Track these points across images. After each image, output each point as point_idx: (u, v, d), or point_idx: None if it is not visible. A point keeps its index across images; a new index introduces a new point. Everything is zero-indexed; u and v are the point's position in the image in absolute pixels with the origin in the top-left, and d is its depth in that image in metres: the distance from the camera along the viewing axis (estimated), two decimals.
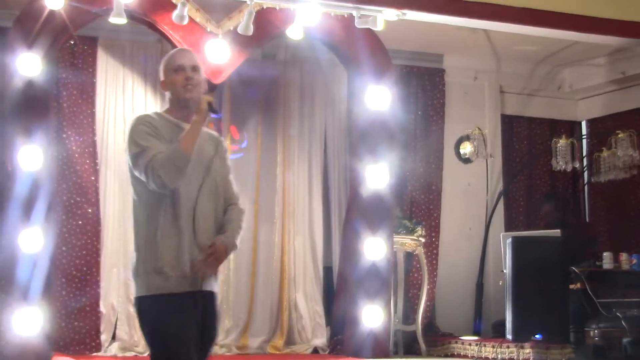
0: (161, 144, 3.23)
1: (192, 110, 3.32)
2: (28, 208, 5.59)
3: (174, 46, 6.24)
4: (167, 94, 3.43)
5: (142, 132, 3.26)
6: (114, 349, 6.36)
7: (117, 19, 5.84)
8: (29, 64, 5.69)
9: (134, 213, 3.30)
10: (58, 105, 6.45)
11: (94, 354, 6.25)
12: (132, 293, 3.34)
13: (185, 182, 3.23)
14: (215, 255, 3.27)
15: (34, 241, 5.56)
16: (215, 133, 3.53)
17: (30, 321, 5.50)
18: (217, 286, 3.41)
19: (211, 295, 3.34)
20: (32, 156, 5.66)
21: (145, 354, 6.36)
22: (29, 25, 5.74)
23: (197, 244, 3.25)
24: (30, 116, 5.72)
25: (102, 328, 6.40)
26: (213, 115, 3.32)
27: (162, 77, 3.44)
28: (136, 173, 3.24)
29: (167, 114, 3.39)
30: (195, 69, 3.40)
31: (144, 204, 3.26)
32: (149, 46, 6.91)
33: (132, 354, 6.34)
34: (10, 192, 5.64)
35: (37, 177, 5.66)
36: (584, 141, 8.47)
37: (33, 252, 5.55)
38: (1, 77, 6.04)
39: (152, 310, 3.19)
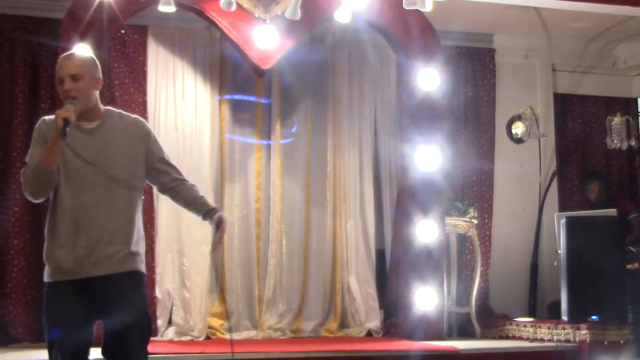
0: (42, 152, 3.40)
1: (91, 112, 3.47)
2: None
3: (222, 33, 6.29)
4: None
5: (33, 140, 3.48)
6: (170, 333, 6.46)
7: (166, 7, 5.89)
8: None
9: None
10: (110, 95, 6.54)
11: (151, 338, 6.34)
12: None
13: (71, 187, 3.39)
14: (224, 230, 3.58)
15: None
16: (135, 117, 3.63)
17: None
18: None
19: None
20: None
21: (201, 338, 6.45)
22: (80, 16, 5.81)
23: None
24: None
25: (158, 313, 6.50)
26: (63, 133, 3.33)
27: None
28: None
29: None
30: (75, 77, 3.44)
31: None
32: (198, 33, 6.95)
33: (188, 338, 6.43)
34: None
35: None
36: None
37: None
38: (54, 68, 6.13)
39: None
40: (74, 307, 3.38)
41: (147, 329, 3.52)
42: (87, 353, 3.46)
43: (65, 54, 3.62)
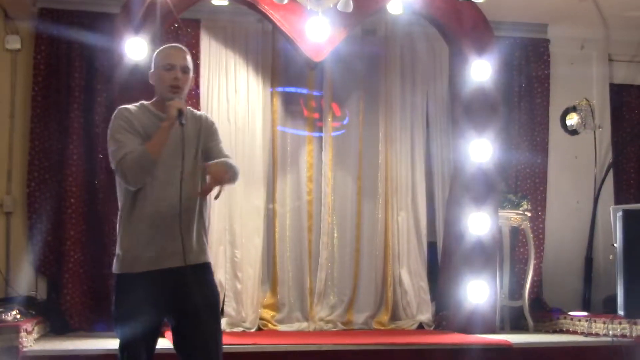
0: (135, 139, 3.43)
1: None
2: None
3: (274, 25, 6.32)
4: (154, 87, 3.59)
5: (118, 127, 3.46)
6: (222, 324, 6.51)
7: (219, 1, 5.94)
8: (136, 49, 5.85)
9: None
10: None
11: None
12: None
13: (165, 169, 3.43)
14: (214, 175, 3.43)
15: None
16: (199, 112, 3.69)
17: None
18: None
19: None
20: None
21: (253, 330, 6.50)
22: (135, 11, 5.90)
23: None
24: (139, 100, 5.84)
25: None
26: (180, 122, 3.42)
27: (152, 70, 3.61)
28: (111, 165, 3.46)
29: (152, 105, 3.58)
30: (185, 69, 3.53)
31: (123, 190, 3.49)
32: (250, 26, 6.98)
33: (240, 329, 6.49)
34: None
35: None
36: None
37: None
38: (110, 61, 6.24)
39: None
40: (150, 299, 3.40)
41: (219, 321, 3.58)
42: (154, 346, 3.51)
43: (173, 44, 3.69)
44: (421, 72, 7.33)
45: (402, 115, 7.21)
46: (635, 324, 5.76)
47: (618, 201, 7.65)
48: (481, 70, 6.46)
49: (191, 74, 3.58)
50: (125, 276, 3.44)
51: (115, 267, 3.49)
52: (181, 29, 6.77)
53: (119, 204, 3.53)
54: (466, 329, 6.22)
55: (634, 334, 5.75)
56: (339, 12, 6.10)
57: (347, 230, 7.02)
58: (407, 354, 5.43)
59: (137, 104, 3.60)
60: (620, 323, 5.87)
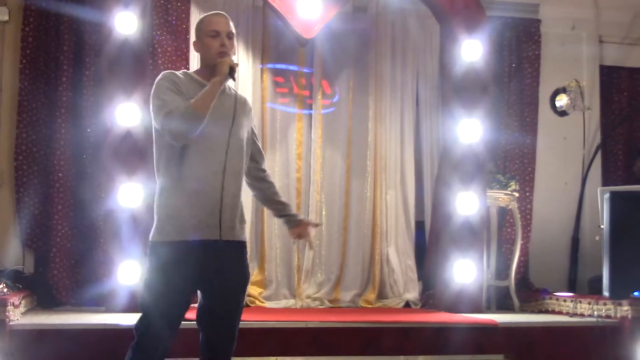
0: (180, 99, 3.37)
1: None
2: (126, 163, 5.76)
3: (265, 1, 6.27)
4: (199, 55, 3.56)
5: (162, 87, 3.40)
6: None
7: None
8: (126, 23, 5.81)
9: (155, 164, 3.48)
10: (153, 63, 6.57)
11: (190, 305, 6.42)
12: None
13: (213, 134, 3.38)
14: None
15: (133, 196, 5.73)
16: (242, 95, 3.68)
17: (130, 273, 5.70)
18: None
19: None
20: (129, 113, 5.81)
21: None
22: None
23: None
24: (128, 74, 5.86)
25: None
26: (230, 79, 3.44)
27: (196, 38, 3.59)
28: (157, 125, 3.39)
29: (195, 74, 3.55)
30: (230, 35, 3.53)
31: (166, 156, 3.43)
32: (241, 2, 6.94)
33: None
34: (110, 149, 5.82)
35: (134, 133, 5.81)
36: None
37: (133, 206, 5.73)
38: (99, 35, 6.19)
39: None
40: (187, 269, 3.37)
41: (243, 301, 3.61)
42: (181, 321, 3.48)
43: (215, 12, 3.66)
44: (412, 50, 7.30)
45: (392, 93, 7.19)
46: (619, 305, 5.79)
47: (605, 183, 7.68)
48: (472, 50, 6.44)
49: (235, 39, 3.58)
50: (164, 244, 3.39)
51: (153, 235, 3.44)
52: (171, 4, 6.72)
53: (160, 172, 3.46)
54: (453, 308, 6.25)
55: (618, 315, 5.79)
56: None
57: (336, 209, 7.03)
58: (394, 332, 5.46)
59: (181, 71, 3.55)
60: (605, 304, 5.91)
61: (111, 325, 5.05)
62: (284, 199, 3.85)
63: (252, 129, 3.69)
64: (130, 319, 5.05)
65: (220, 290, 3.44)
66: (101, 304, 5.96)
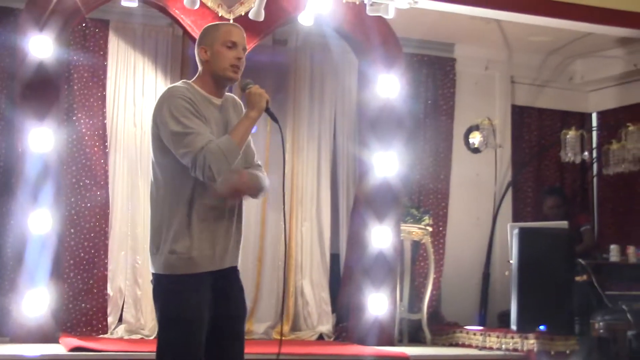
0: (205, 127, 3.10)
1: (225, 89, 3.26)
2: (37, 190, 5.63)
3: (185, 30, 6.26)
4: (203, 64, 3.24)
5: (183, 109, 3.08)
6: (120, 331, 6.39)
7: (129, 2, 5.86)
8: (41, 46, 5.71)
9: (155, 192, 3.19)
10: (69, 88, 6.47)
11: (101, 335, 6.29)
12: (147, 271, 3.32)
13: None
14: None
15: (43, 223, 5.60)
16: (232, 95, 3.42)
17: (38, 302, 5.55)
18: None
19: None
20: (42, 138, 5.69)
21: (152, 337, 6.40)
22: (41, 7, 5.75)
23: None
24: (41, 98, 5.74)
25: (109, 310, 6.43)
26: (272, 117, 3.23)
27: (205, 45, 3.24)
28: (177, 154, 3.06)
29: (198, 86, 3.23)
30: (245, 50, 3.27)
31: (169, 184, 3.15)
32: (160, 30, 6.91)
33: (139, 336, 6.38)
34: (21, 174, 5.68)
35: (46, 159, 5.69)
36: (594, 133, 8.43)
37: (42, 233, 5.59)
38: (13, 58, 6.06)
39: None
40: (207, 301, 3.15)
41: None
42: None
43: (232, 23, 3.44)
44: (331, 84, 7.38)
45: (310, 126, 7.24)
46: (526, 338, 5.93)
47: (516, 219, 7.88)
48: (389, 85, 6.55)
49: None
50: (183, 277, 3.11)
51: (167, 267, 3.12)
52: (89, 29, 6.64)
53: (170, 197, 3.13)
54: (365, 341, 6.28)
55: (525, 348, 5.92)
56: (250, 20, 6.09)
57: (251, 240, 6.98)
58: None
59: (182, 82, 3.24)
60: (512, 337, 6.04)
61: (17, 356, 4.92)
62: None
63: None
64: (36, 350, 4.91)
65: (229, 322, 3.31)
66: (7, 333, 5.77)
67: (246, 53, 3.29)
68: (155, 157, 3.19)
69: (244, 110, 3.28)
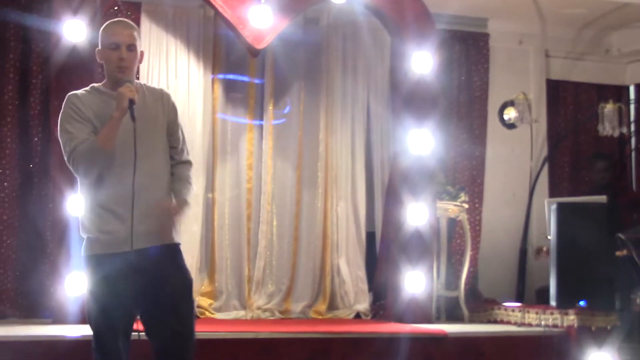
0: (85, 129, 3.33)
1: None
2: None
3: (216, 11, 6.25)
4: (102, 66, 3.53)
5: (67, 116, 3.37)
6: None
7: None
8: (75, 30, 5.74)
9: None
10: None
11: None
12: None
13: (118, 164, 3.35)
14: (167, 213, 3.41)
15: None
16: (159, 89, 3.61)
17: (79, 284, 5.60)
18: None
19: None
20: None
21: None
22: None
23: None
24: (76, 82, 5.72)
25: None
26: (132, 116, 3.33)
27: (98, 48, 3.52)
28: (64, 156, 3.38)
29: (103, 86, 3.50)
30: (131, 47, 3.41)
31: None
32: (192, 12, 6.91)
33: None
34: (56, 157, 5.72)
35: None
36: (632, 106, 8.30)
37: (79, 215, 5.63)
38: (47, 43, 6.11)
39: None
40: (125, 281, 3.33)
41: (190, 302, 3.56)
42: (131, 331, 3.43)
43: (116, 20, 3.57)
44: (363, 62, 7.34)
45: (343, 104, 7.22)
46: (566, 314, 5.88)
47: (552, 194, 7.80)
48: (422, 62, 6.50)
49: (139, 49, 3.47)
50: (91, 257, 3.39)
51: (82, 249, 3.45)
52: (121, 12, 6.65)
53: (79, 186, 3.47)
54: (403, 319, 6.27)
55: (565, 324, 5.87)
56: (281, 0, 6.07)
57: (286, 219, 7.02)
58: (344, 342, 5.45)
59: (87, 87, 3.50)
60: (552, 313, 5.99)
61: (59, 337, 4.96)
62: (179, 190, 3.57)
63: (174, 132, 3.57)
64: (78, 330, 4.98)
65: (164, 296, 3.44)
66: (49, 315, 5.85)
67: (137, 48, 3.45)
68: None
69: (170, 102, 3.57)
